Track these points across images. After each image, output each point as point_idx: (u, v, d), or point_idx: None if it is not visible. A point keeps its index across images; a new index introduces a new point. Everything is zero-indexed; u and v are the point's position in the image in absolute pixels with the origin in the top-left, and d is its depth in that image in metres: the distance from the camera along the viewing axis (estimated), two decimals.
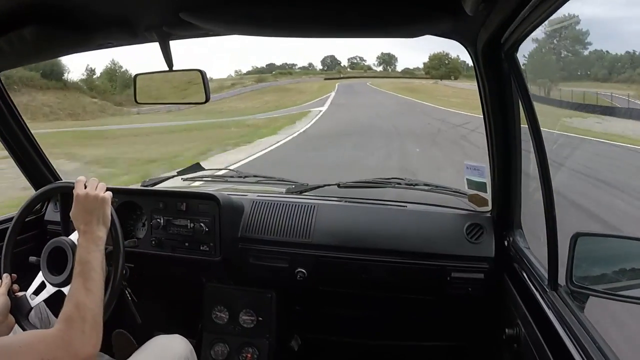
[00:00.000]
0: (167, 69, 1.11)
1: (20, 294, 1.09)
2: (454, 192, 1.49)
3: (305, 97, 28.80)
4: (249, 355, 1.53)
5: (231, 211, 1.42)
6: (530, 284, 1.07)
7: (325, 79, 51.46)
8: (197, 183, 1.75)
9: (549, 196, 0.95)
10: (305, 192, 1.60)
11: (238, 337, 1.54)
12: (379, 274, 1.38)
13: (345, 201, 1.54)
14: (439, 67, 48.51)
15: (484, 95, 1.15)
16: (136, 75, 1.20)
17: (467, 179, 1.37)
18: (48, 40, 1.04)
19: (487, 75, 1.09)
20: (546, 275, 1.00)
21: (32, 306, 1.09)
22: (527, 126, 1.00)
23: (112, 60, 27.64)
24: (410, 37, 1.04)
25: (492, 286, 1.33)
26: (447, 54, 46.48)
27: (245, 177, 1.71)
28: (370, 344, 1.68)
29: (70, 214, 1.04)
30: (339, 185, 1.60)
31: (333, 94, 30.88)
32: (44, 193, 1.24)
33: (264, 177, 1.71)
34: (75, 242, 1.08)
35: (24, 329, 1.06)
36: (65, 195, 1.50)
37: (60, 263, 1.09)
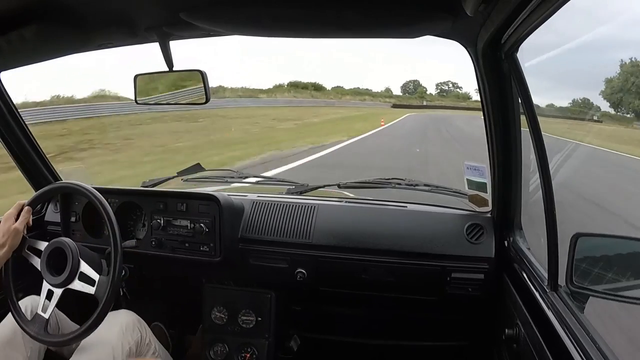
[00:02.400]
0: (167, 69, 1.12)
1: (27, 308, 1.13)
2: (454, 192, 1.49)
3: None
4: (248, 355, 1.53)
5: (231, 212, 1.42)
6: (530, 285, 1.07)
7: (394, 105, 37.58)
8: (197, 183, 1.74)
9: (549, 196, 0.95)
10: (305, 192, 1.60)
11: (237, 337, 1.53)
12: (379, 274, 1.38)
13: (346, 201, 1.54)
14: None
15: (484, 96, 1.15)
16: (136, 76, 1.20)
17: (467, 179, 1.37)
18: (48, 40, 1.04)
19: (487, 76, 1.09)
20: (546, 276, 1.00)
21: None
22: (527, 126, 1.00)
23: None
24: (410, 37, 1.04)
25: (492, 286, 1.33)
26: None
27: (246, 177, 1.71)
28: (369, 344, 1.68)
29: None
30: (339, 186, 1.60)
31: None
32: (45, 193, 1.24)
33: (264, 177, 1.72)
34: (77, 248, 1.10)
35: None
36: (65, 196, 1.50)
37: (59, 264, 1.10)
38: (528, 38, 0.87)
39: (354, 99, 39.37)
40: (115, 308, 1.29)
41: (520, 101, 1.05)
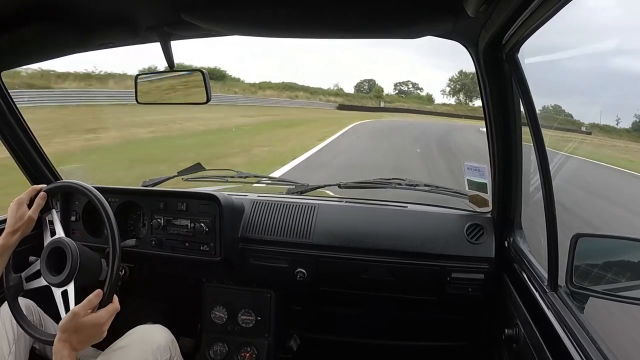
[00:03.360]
0: (167, 68, 1.12)
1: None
2: (454, 192, 1.49)
3: None
4: (247, 355, 1.53)
5: (231, 211, 1.42)
6: (530, 285, 1.07)
7: (340, 106, 31.27)
8: (197, 183, 1.75)
9: (549, 197, 0.95)
10: (305, 192, 1.60)
11: (237, 337, 1.54)
12: (379, 274, 1.38)
13: (346, 201, 1.54)
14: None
15: (485, 96, 1.15)
16: (137, 76, 1.20)
17: (467, 180, 1.37)
18: (48, 40, 1.04)
19: (488, 76, 1.09)
20: (546, 276, 1.01)
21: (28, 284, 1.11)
22: (527, 127, 1.00)
23: None
24: (411, 37, 1.04)
25: (492, 286, 1.33)
26: None
27: (246, 177, 1.71)
28: (369, 344, 1.68)
29: (61, 326, 0.92)
30: (339, 186, 1.60)
31: None
32: (57, 188, 1.23)
33: (264, 177, 1.72)
34: (77, 247, 1.09)
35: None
36: (65, 194, 1.50)
37: (59, 263, 1.10)
38: (529, 39, 0.87)
39: (281, 95, 28.54)
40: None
41: (520, 102, 1.05)
